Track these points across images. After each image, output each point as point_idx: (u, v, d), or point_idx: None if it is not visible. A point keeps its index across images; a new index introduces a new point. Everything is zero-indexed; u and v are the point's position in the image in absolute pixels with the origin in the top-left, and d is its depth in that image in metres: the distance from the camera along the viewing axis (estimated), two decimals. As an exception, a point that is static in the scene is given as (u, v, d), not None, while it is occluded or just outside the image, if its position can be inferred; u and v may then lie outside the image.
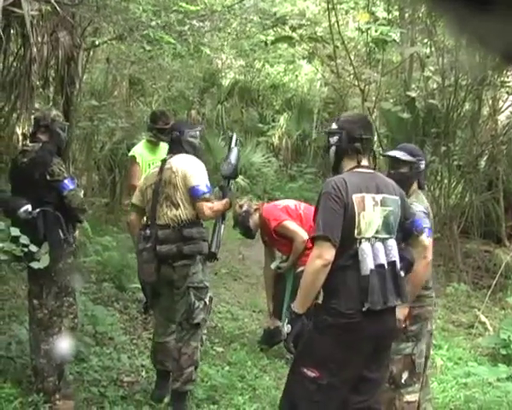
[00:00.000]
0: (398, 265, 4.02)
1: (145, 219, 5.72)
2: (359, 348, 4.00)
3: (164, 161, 5.60)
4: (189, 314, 5.40)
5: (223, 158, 6.54)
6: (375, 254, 3.94)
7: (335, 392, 4.03)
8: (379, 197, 4.06)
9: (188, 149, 5.64)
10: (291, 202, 7.52)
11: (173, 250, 5.34)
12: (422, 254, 4.65)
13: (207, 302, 5.55)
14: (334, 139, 4.27)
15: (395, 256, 4.01)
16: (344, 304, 3.94)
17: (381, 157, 4.27)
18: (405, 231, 4.31)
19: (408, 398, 5.03)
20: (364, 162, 4.20)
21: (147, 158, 7.17)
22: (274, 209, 7.36)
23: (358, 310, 3.90)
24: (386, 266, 3.96)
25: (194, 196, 5.40)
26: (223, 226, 5.95)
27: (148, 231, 5.43)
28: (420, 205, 5.00)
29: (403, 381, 5.00)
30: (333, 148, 4.28)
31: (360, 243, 3.96)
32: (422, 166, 5.21)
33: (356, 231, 3.96)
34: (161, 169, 5.53)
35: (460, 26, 0.74)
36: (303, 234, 6.80)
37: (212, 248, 5.62)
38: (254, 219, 7.37)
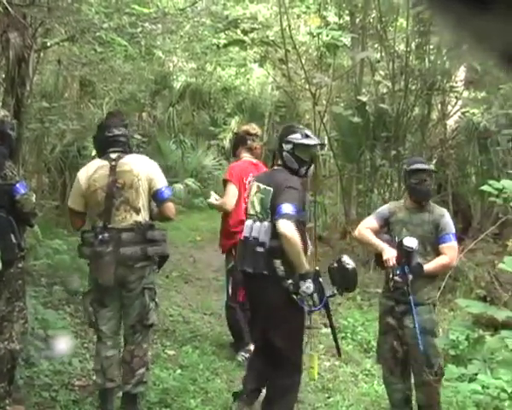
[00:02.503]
0: (260, 241, 5.09)
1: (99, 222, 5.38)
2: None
3: (112, 161, 5.34)
4: (143, 316, 5.34)
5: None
6: (250, 228, 5.20)
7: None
8: (262, 186, 5.24)
9: (123, 147, 5.44)
10: None
11: (138, 252, 5.24)
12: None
13: (158, 303, 5.57)
14: None
15: (262, 234, 5.10)
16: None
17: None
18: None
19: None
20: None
21: None
22: None
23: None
24: (250, 239, 5.16)
25: (160, 198, 5.39)
26: None
27: (106, 235, 5.21)
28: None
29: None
30: None
31: (247, 219, 5.38)
32: None
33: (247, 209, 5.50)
34: (113, 170, 5.31)
35: (458, 26, 0.76)
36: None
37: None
38: None
